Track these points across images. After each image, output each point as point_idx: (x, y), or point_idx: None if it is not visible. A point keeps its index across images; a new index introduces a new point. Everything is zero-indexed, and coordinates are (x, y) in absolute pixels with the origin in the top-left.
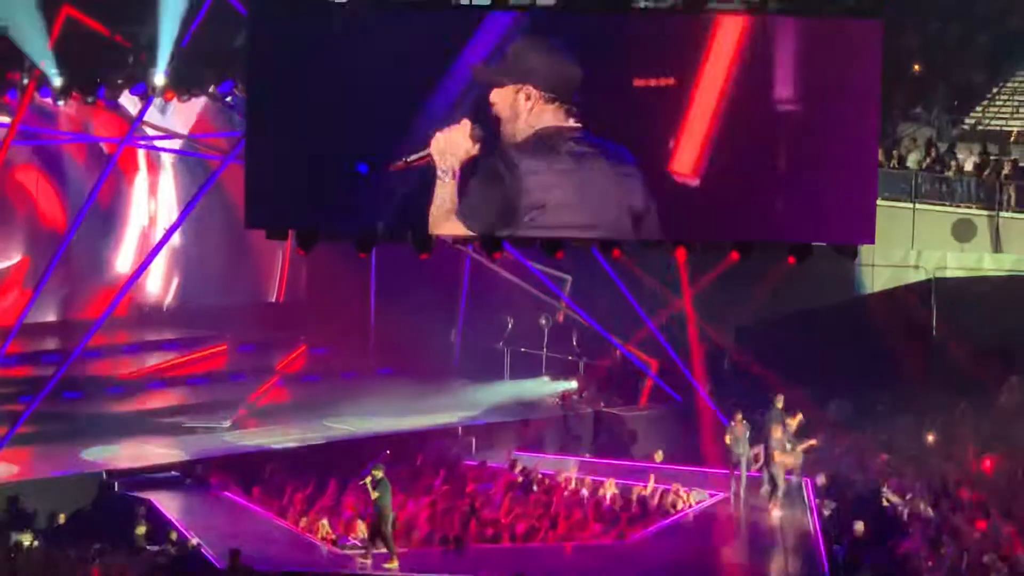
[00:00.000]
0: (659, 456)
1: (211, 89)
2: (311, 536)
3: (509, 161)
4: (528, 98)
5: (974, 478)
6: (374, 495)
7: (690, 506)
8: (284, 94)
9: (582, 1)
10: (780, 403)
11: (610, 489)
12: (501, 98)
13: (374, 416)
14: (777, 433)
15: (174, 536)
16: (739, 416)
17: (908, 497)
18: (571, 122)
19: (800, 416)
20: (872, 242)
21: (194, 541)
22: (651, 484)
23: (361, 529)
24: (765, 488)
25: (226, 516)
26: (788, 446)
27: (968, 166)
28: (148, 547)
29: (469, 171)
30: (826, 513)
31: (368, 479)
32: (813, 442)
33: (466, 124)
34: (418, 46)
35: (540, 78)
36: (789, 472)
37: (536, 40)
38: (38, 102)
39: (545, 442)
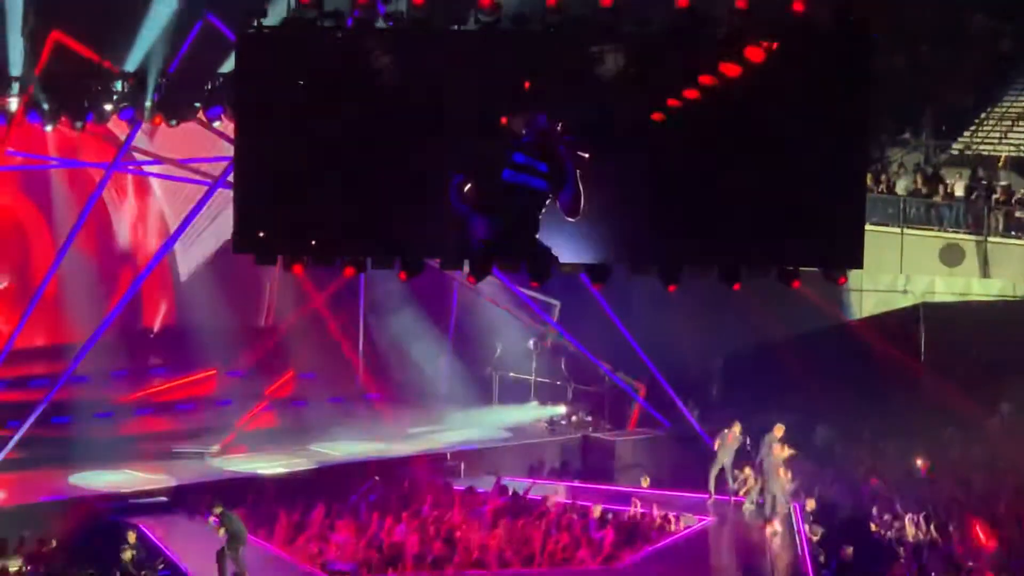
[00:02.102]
0: (645, 481)
1: (200, 114)
2: (298, 560)
3: None
4: None
5: (963, 504)
6: (220, 532)
7: (679, 530)
8: (273, 119)
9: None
10: (780, 432)
11: (596, 512)
12: None
13: (362, 441)
14: (777, 453)
15: (162, 562)
16: (737, 428)
17: (896, 522)
18: None
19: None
20: (860, 267)
21: (182, 567)
22: (636, 508)
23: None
24: (749, 506)
25: (214, 542)
26: (782, 469)
27: (956, 191)
28: (136, 573)
29: None
30: (815, 538)
31: (211, 520)
32: (793, 452)
33: None
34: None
35: None
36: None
37: None
38: (26, 127)
39: (533, 467)
